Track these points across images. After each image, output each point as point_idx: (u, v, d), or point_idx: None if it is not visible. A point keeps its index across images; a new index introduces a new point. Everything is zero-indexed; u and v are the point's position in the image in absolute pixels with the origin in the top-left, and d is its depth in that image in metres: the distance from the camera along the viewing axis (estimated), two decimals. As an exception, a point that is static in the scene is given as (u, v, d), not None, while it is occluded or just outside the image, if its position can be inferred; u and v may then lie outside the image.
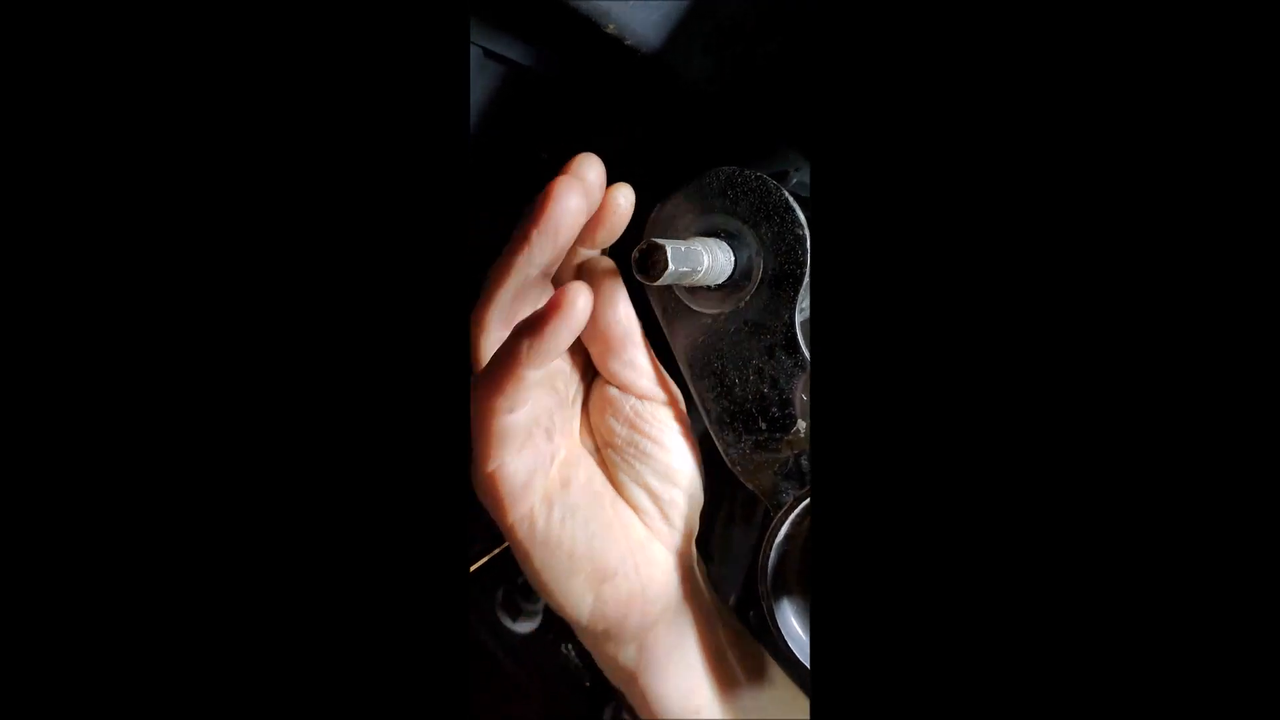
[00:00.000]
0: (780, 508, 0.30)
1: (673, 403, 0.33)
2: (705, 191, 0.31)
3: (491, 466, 0.30)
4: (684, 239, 0.30)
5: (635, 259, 0.27)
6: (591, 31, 0.31)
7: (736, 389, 0.32)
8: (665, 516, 0.33)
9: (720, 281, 0.30)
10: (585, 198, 0.27)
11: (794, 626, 0.31)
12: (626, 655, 0.33)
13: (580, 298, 0.26)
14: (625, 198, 0.29)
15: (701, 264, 0.28)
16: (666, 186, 0.33)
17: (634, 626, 0.32)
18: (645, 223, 0.32)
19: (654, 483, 0.33)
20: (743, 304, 0.31)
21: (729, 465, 0.33)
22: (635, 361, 0.32)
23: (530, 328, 0.27)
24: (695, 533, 0.35)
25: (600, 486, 0.33)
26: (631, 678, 0.34)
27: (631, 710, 0.49)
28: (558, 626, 0.55)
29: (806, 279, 0.29)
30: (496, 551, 0.54)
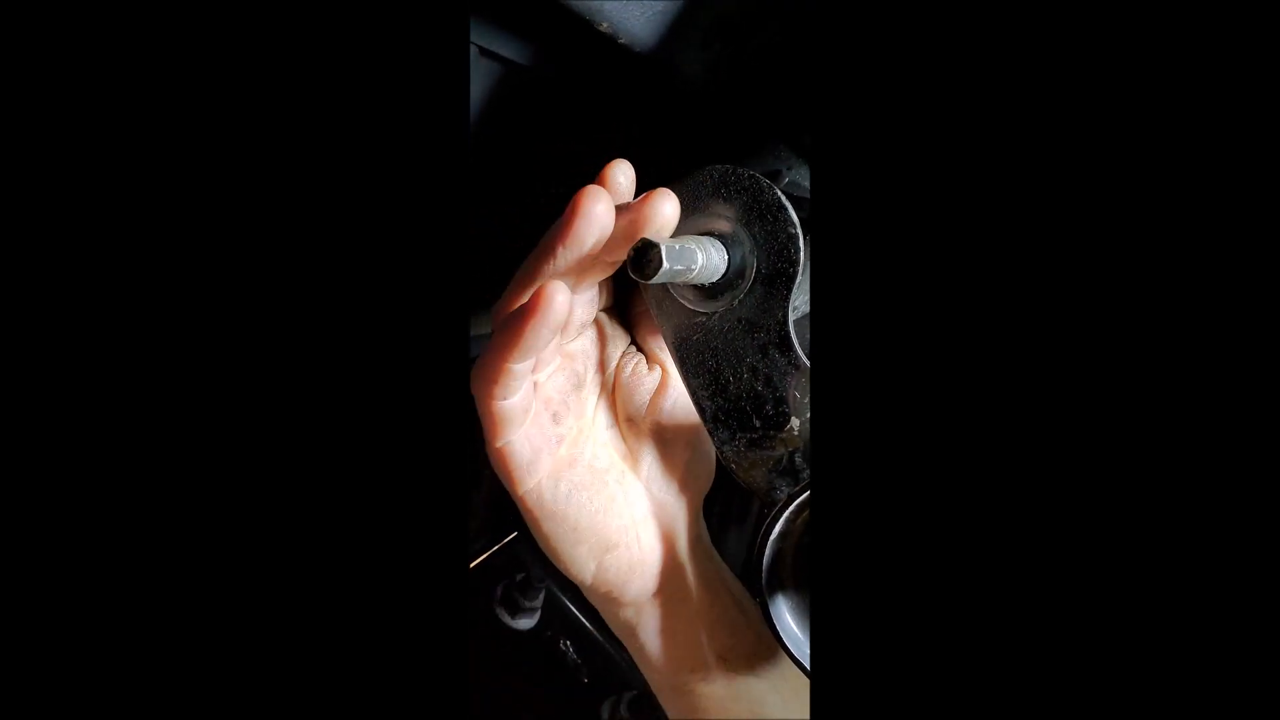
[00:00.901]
0: (774, 505, 0.30)
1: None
2: (698, 190, 0.31)
3: (500, 443, 0.32)
4: (677, 237, 0.30)
5: (630, 257, 0.27)
6: (585, 30, 0.31)
7: (730, 387, 0.32)
8: (676, 491, 0.35)
9: (714, 280, 0.31)
10: (610, 207, 0.28)
11: (789, 624, 0.31)
12: (626, 615, 0.35)
13: (558, 296, 0.27)
14: (671, 206, 0.29)
15: (695, 262, 0.28)
16: (661, 184, 0.33)
17: (634, 593, 0.34)
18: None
19: (669, 457, 0.34)
20: (736, 302, 0.31)
21: (723, 462, 0.33)
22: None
23: (510, 325, 0.28)
24: (701, 508, 0.36)
25: (607, 464, 0.34)
26: (631, 633, 0.35)
27: (630, 705, 0.49)
28: (556, 623, 0.55)
29: (799, 278, 0.30)
30: (495, 549, 0.55)
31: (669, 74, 0.36)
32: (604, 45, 0.33)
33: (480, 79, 0.35)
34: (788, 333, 0.30)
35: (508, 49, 0.34)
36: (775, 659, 0.35)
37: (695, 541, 0.36)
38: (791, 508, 0.30)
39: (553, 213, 0.30)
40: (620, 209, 0.29)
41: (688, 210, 0.31)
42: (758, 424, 0.32)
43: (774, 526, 0.30)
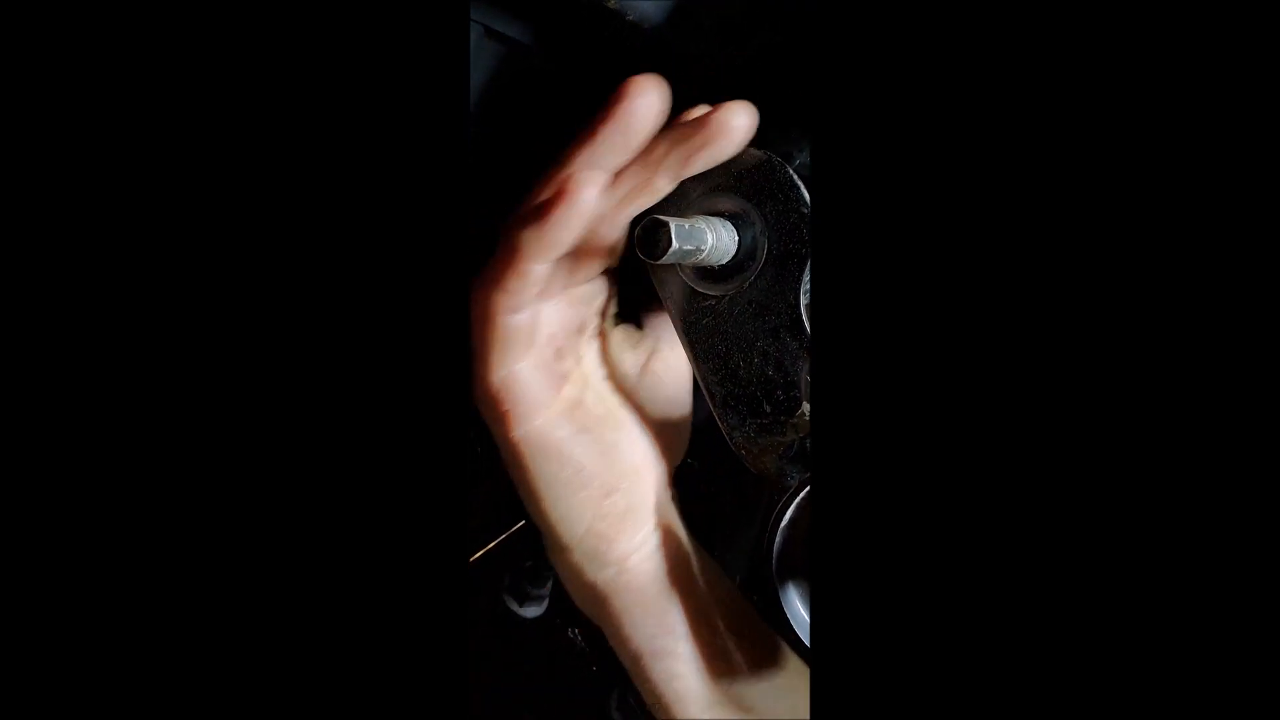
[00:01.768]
0: (785, 492, 0.30)
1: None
2: (707, 170, 0.30)
3: (501, 373, 0.29)
4: (687, 217, 0.29)
5: (638, 236, 0.27)
6: (593, 7, 0.30)
7: (741, 371, 0.31)
8: (663, 445, 0.34)
9: (724, 261, 0.30)
10: (662, 99, 0.25)
11: (800, 611, 0.30)
12: (606, 575, 0.33)
13: (589, 186, 0.24)
14: (747, 119, 0.25)
15: (705, 243, 0.28)
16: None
17: (621, 548, 0.32)
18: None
19: (657, 412, 0.33)
20: (747, 285, 0.30)
21: (733, 448, 0.33)
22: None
23: (533, 216, 0.25)
24: (670, 481, 0.35)
25: (612, 407, 0.33)
26: (604, 600, 0.33)
27: (637, 694, 0.49)
28: (564, 611, 0.55)
29: (811, 260, 0.29)
30: (504, 537, 0.54)
31: (679, 53, 0.35)
32: (613, 23, 0.32)
33: (486, 60, 0.34)
34: (799, 316, 0.30)
35: (514, 29, 0.33)
36: (751, 630, 0.34)
37: (666, 508, 0.35)
38: (802, 495, 0.29)
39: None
40: (678, 124, 0.26)
41: (696, 190, 0.30)
42: (768, 409, 0.31)
43: (784, 514, 0.29)
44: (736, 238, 0.30)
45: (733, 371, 0.31)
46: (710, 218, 0.29)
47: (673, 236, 0.25)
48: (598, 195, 0.25)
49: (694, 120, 0.26)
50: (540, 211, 0.25)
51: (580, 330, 0.33)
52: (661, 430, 0.34)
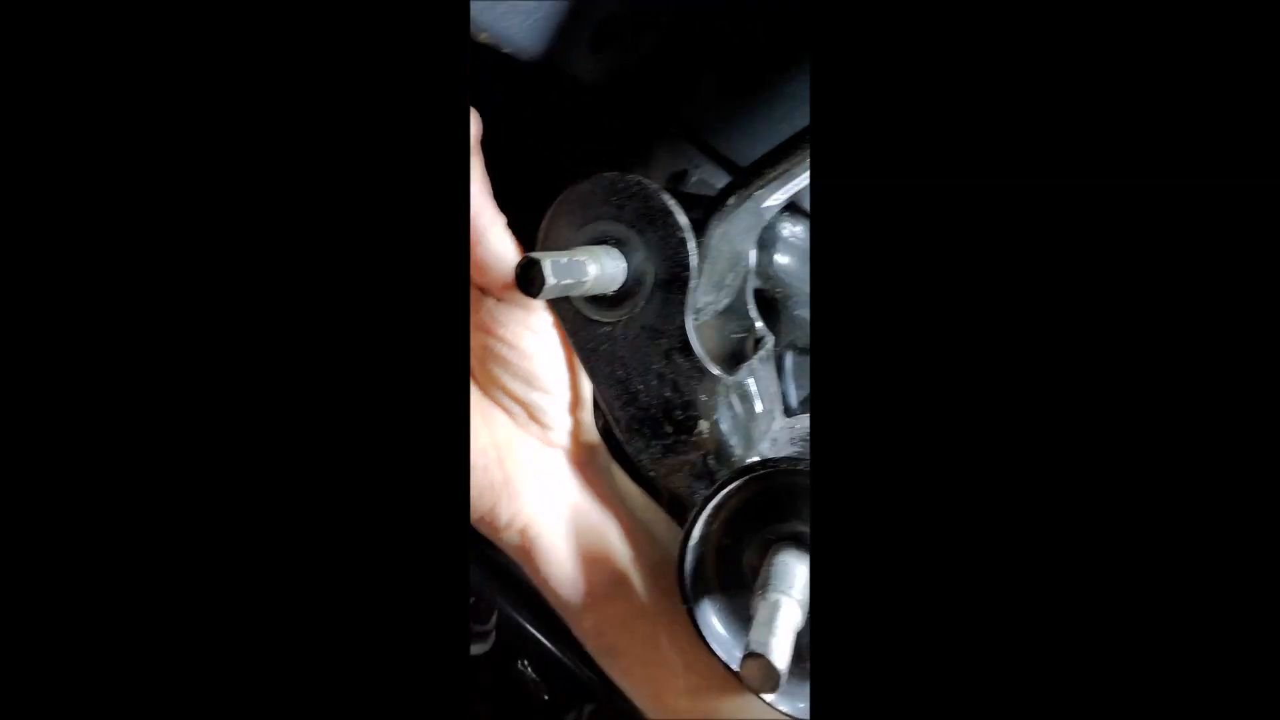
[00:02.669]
0: (691, 510, 0.30)
1: (530, 307, 0.32)
2: (590, 198, 0.30)
3: None
4: (568, 249, 0.30)
5: (516, 274, 0.27)
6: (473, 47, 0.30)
7: (640, 395, 0.32)
8: (534, 419, 0.34)
9: (614, 289, 0.30)
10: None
11: (715, 627, 0.31)
12: (510, 538, 0.34)
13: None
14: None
15: (586, 274, 0.28)
16: (558, 191, 0.32)
17: (505, 515, 0.34)
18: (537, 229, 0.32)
19: (514, 386, 0.33)
20: (637, 310, 0.31)
21: (643, 471, 0.33)
22: (484, 252, 0.31)
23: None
24: (588, 435, 0.35)
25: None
26: (526, 556, 0.35)
27: (591, 717, 0.49)
28: (511, 644, 0.54)
29: (693, 280, 0.29)
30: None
31: (565, 76, 0.35)
32: (490, 56, 0.32)
33: None
34: (688, 338, 0.30)
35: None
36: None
37: (585, 466, 0.35)
38: (706, 511, 0.29)
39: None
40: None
41: (580, 219, 0.31)
42: (669, 430, 0.31)
43: (692, 533, 0.30)
44: (623, 265, 0.30)
45: (633, 396, 0.32)
46: (594, 247, 0.30)
47: (547, 273, 0.26)
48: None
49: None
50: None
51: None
52: (530, 387, 0.34)
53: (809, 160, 0.29)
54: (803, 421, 0.34)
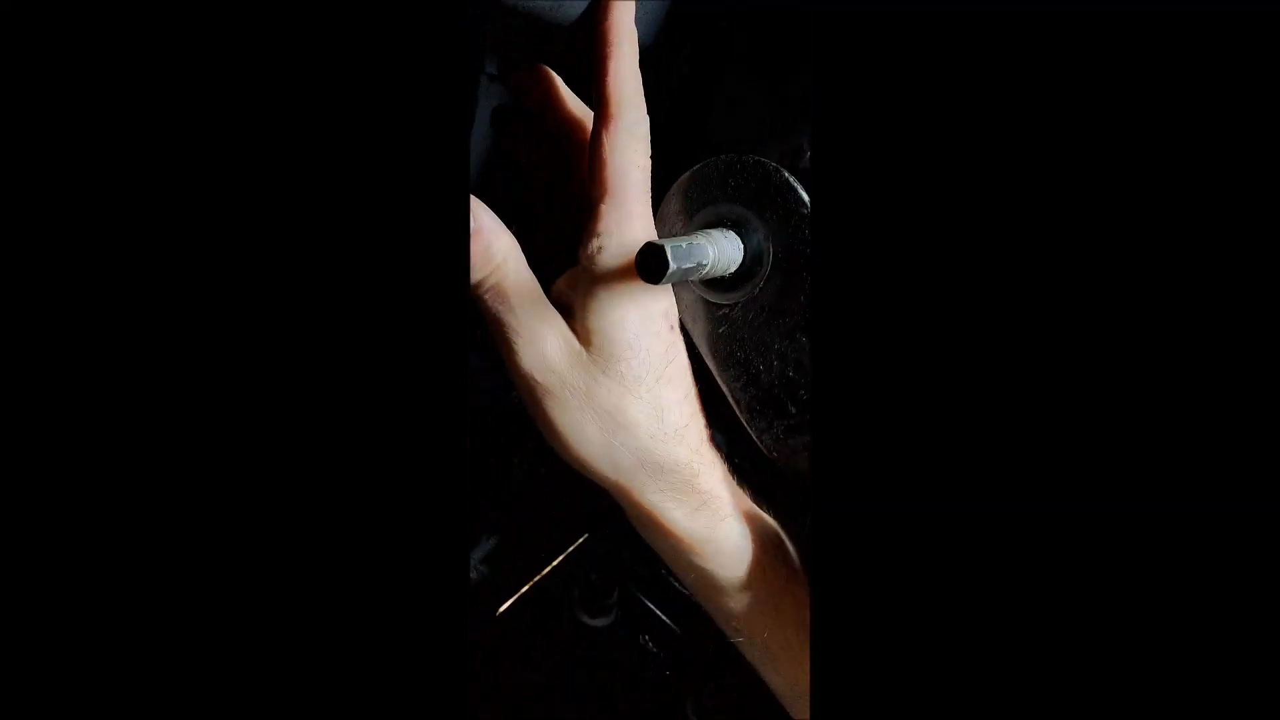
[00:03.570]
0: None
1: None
2: (706, 181, 0.30)
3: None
4: (687, 234, 0.30)
5: (638, 263, 0.27)
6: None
7: (762, 376, 0.31)
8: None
9: (732, 271, 0.30)
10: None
11: None
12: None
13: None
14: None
15: (707, 258, 0.28)
16: (674, 175, 0.32)
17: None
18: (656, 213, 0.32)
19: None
20: (757, 290, 0.30)
21: (765, 452, 0.33)
22: None
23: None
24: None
25: None
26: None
27: (713, 697, 0.50)
28: (634, 619, 0.56)
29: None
30: (567, 553, 0.56)
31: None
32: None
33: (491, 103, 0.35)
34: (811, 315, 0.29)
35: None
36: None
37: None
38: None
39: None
40: None
41: (697, 202, 0.31)
42: (793, 410, 0.31)
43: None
44: (741, 246, 0.30)
45: (755, 377, 0.32)
46: (710, 230, 0.29)
47: (670, 258, 0.26)
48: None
49: None
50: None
51: None
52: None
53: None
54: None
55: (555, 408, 0.30)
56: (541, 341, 0.29)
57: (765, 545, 0.33)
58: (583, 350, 0.30)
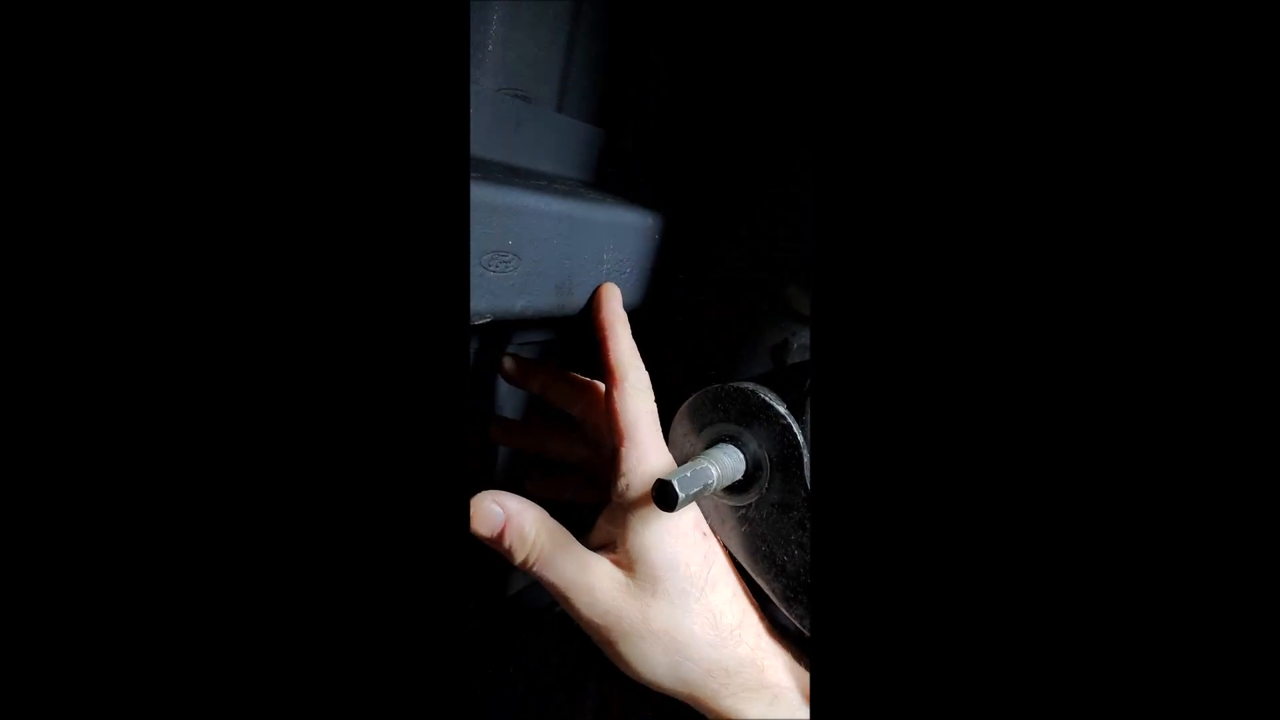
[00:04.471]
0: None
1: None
2: (700, 409, 0.36)
3: None
4: (696, 451, 0.35)
5: (654, 498, 0.32)
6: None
7: (788, 566, 0.35)
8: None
9: (738, 479, 0.35)
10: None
11: None
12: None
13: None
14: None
15: (711, 478, 0.33)
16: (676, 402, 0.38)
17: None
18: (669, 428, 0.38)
19: None
20: (764, 490, 0.35)
21: (808, 635, 0.36)
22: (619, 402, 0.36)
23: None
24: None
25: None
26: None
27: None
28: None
29: (806, 456, 0.33)
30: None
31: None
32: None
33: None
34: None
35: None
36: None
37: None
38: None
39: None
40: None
41: (697, 427, 0.36)
42: (822, 592, 0.34)
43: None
44: (741, 457, 0.35)
45: (781, 568, 0.35)
46: (712, 450, 0.35)
47: (677, 489, 0.31)
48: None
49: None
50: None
51: None
52: None
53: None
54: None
55: (620, 642, 0.34)
56: (591, 589, 0.34)
57: None
58: (629, 580, 0.34)
